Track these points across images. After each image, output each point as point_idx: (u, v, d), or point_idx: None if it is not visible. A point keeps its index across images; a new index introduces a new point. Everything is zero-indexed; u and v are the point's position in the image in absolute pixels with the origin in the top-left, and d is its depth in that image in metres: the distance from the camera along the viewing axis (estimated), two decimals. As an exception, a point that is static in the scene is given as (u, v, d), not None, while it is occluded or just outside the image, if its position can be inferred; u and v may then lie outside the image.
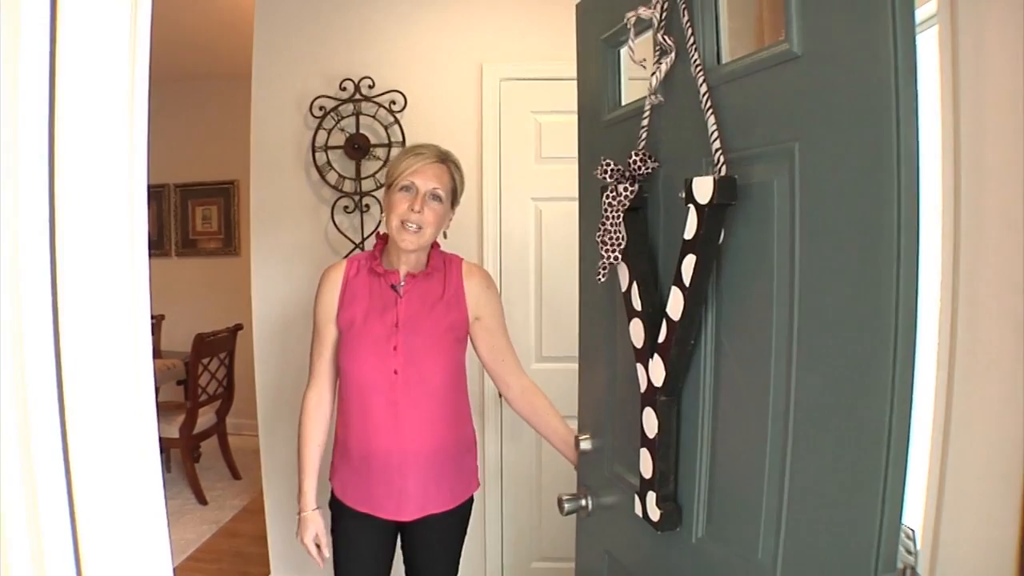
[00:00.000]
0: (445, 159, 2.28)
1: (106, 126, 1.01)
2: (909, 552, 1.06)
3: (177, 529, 4.91)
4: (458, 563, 2.47)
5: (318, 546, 2.31)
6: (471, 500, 2.44)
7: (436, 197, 2.21)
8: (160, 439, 5.36)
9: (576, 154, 3.22)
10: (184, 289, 7.26)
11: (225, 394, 5.89)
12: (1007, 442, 0.97)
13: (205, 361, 5.50)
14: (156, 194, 7.38)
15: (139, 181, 1.07)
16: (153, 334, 6.69)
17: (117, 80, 1.02)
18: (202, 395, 5.49)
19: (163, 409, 5.62)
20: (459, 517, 2.40)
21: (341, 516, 2.37)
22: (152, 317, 6.77)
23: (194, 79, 6.95)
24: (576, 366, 3.33)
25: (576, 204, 3.24)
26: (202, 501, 5.43)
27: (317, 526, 2.31)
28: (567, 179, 3.29)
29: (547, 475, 3.61)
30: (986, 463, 0.99)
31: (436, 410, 2.26)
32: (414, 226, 2.18)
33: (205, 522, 5.08)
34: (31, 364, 0.94)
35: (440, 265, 2.34)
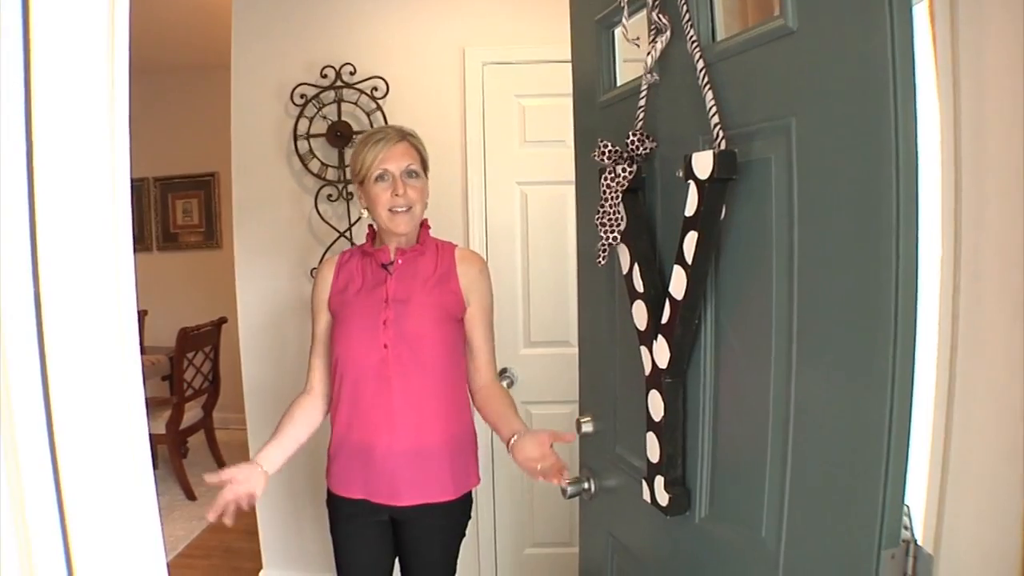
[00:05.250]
0: (405, 136, 2.28)
1: (86, 119, 0.99)
2: (905, 527, 1.06)
3: (166, 526, 4.87)
4: (454, 564, 2.42)
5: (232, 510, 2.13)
6: (470, 496, 2.38)
7: (412, 174, 2.23)
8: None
9: (561, 137, 3.24)
10: (166, 284, 7.21)
11: (211, 388, 5.88)
12: (1012, 416, 0.96)
13: (190, 355, 5.49)
14: (135, 188, 7.31)
15: (122, 174, 1.05)
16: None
17: (96, 70, 1.00)
18: (188, 390, 5.48)
19: (149, 405, 5.57)
20: (456, 512, 2.34)
21: (338, 512, 2.36)
22: (135, 312, 6.70)
23: (171, 71, 6.89)
24: (564, 350, 3.41)
25: (562, 188, 3.32)
26: (191, 497, 5.41)
27: (255, 482, 2.18)
28: (552, 163, 3.32)
29: (539, 460, 3.59)
30: (991, 437, 0.99)
31: (429, 388, 2.22)
32: (403, 208, 2.20)
33: (194, 518, 5.06)
34: (14, 364, 0.92)
35: (432, 245, 2.34)
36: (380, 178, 2.20)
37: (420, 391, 2.21)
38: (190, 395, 5.54)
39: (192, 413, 5.65)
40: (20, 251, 0.92)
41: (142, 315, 6.80)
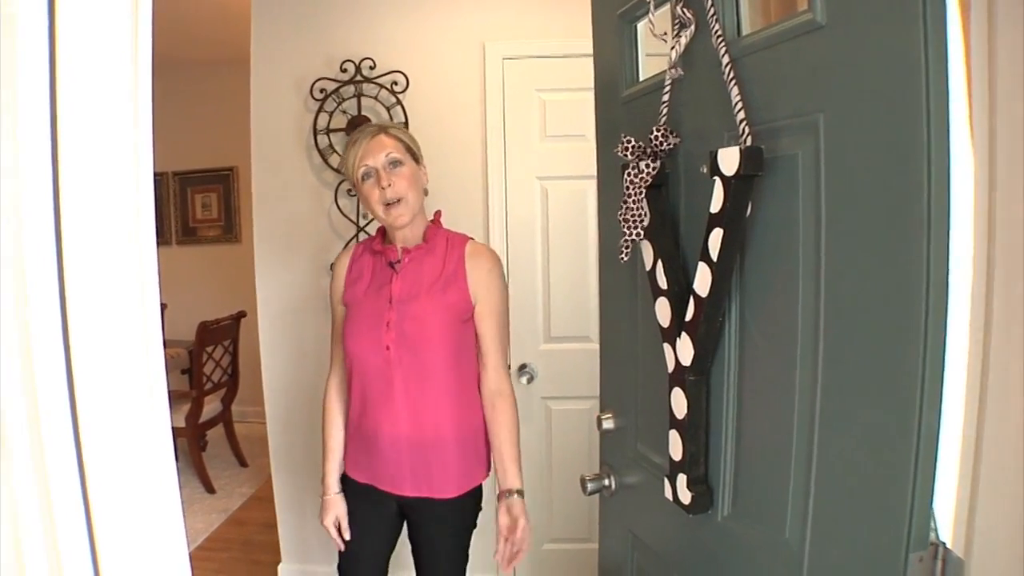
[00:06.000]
0: (382, 129, 2.24)
1: (109, 114, 0.99)
2: (933, 530, 1.04)
3: (186, 519, 4.88)
4: (466, 553, 2.43)
5: (339, 529, 2.36)
6: (479, 489, 2.39)
7: (395, 162, 2.19)
8: (168, 428, 5.26)
9: (581, 132, 3.26)
10: (186, 278, 7.24)
11: (230, 382, 5.90)
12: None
13: (209, 349, 5.51)
14: (154, 183, 7.31)
15: (145, 168, 1.05)
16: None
17: (120, 64, 1.00)
18: (207, 383, 5.50)
19: (169, 399, 5.61)
20: (462, 506, 2.34)
21: (348, 491, 2.40)
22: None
23: (190, 65, 6.90)
24: (584, 346, 3.40)
25: (582, 182, 3.31)
26: (210, 490, 5.43)
27: (338, 509, 2.37)
28: (573, 157, 3.31)
29: (557, 457, 3.61)
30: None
31: (432, 390, 2.22)
32: (394, 199, 2.17)
33: (213, 511, 5.09)
34: (39, 361, 0.92)
35: (442, 242, 2.30)
36: (366, 176, 2.19)
37: (423, 392, 2.21)
38: (209, 389, 5.56)
39: (211, 407, 5.68)
40: (45, 245, 0.92)
41: (162, 309, 6.80)
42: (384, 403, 2.22)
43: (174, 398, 5.51)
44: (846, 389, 1.13)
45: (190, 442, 5.46)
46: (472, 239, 2.36)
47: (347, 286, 2.35)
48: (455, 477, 2.28)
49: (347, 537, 2.36)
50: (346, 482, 2.40)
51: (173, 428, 5.05)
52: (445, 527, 2.36)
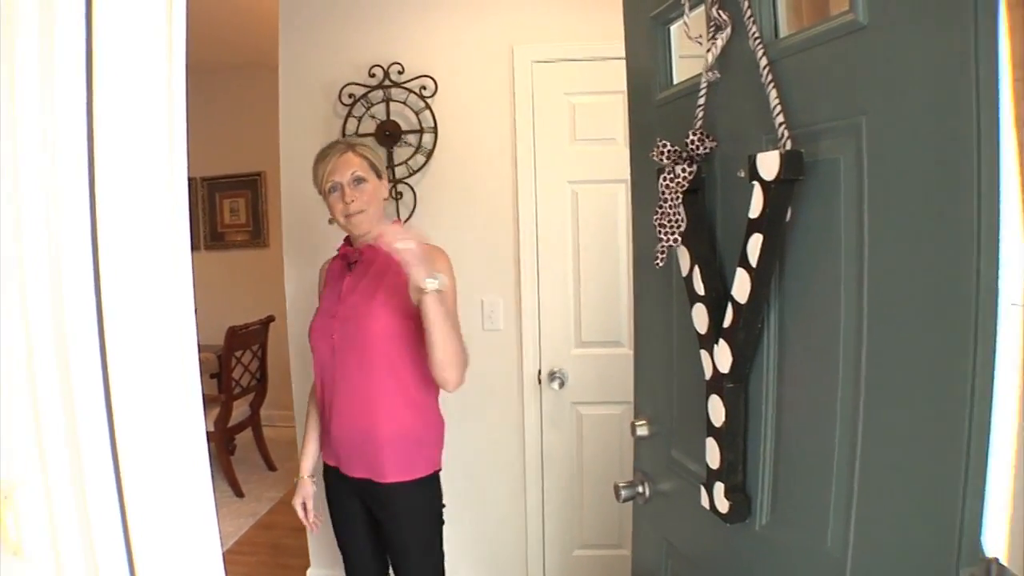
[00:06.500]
0: (349, 148, 2.47)
1: (145, 119, 0.98)
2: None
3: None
4: (432, 552, 2.51)
5: (307, 511, 2.66)
6: (430, 481, 2.47)
7: (359, 179, 2.41)
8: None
9: (612, 135, 3.24)
10: (214, 282, 7.27)
11: (258, 386, 5.93)
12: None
13: (238, 354, 5.53)
14: (183, 188, 7.39)
15: (179, 173, 1.04)
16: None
17: (155, 70, 0.99)
18: (236, 388, 5.53)
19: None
20: (409, 492, 2.42)
21: (326, 476, 2.61)
22: (185, 311, 6.69)
23: (217, 70, 6.94)
24: (615, 351, 3.38)
25: (613, 186, 3.30)
26: (238, 494, 5.46)
27: (304, 492, 2.67)
28: (603, 161, 3.30)
29: (588, 462, 3.59)
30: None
31: (372, 381, 2.36)
32: (355, 211, 2.40)
33: (242, 515, 5.10)
34: (76, 368, 0.91)
35: None
36: (332, 189, 2.43)
37: (362, 382, 2.37)
38: (238, 393, 5.58)
39: (240, 411, 5.71)
40: (82, 255, 0.91)
41: (191, 313, 6.85)
42: (333, 391, 2.43)
43: (204, 402, 5.53)
44: (891, 398, 1.10)
45: (219, 446, 5.48)
46: (427, 244, 2.38)
47: (323, 288, 2.64)
48: (393, 464, 2.38)
49: (311, 519, 2.67)
50: (323, 466, 2.61)
51: (202, 433, 4.96)
52: (387, 513, 2.46)
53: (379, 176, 2.49)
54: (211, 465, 4.55)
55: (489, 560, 3.72)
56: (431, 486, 2.49)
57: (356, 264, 2.48)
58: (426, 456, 2.46)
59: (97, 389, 0.93)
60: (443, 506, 2.54)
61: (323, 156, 2.47)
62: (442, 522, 2.54)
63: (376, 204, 2.46)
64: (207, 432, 5.25)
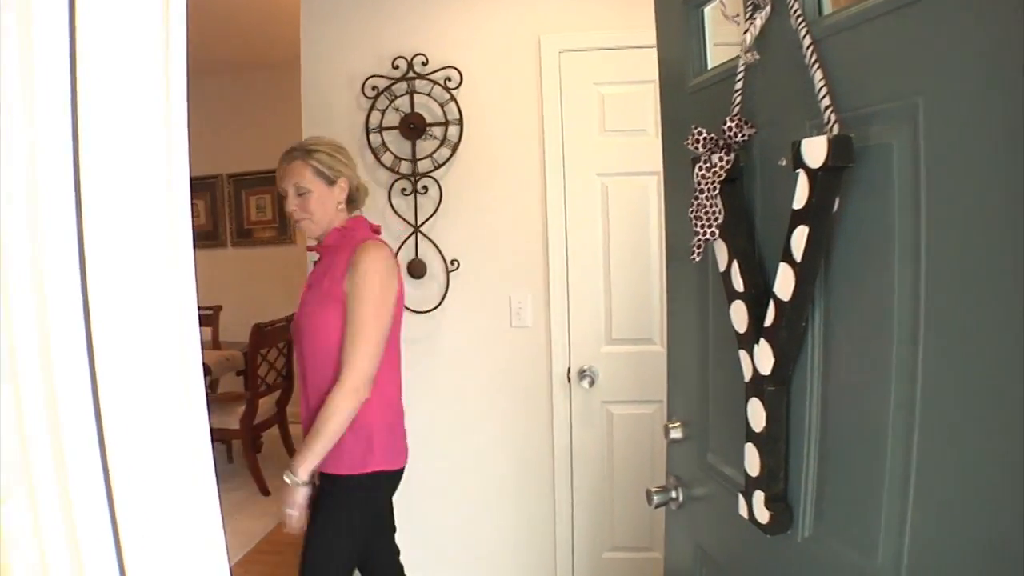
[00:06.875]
0: (295, 156, 2.52)
1: (137, 116, 0.91)
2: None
3: (241, 520, 4.92)
4: (324, 543, 2.50)
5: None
6: (349, 483, 2.45)
7: (300, 191, 2.50)
8: (221, 430, 5.34)
9: (642, 126, 3.16)
10: (240, 279, 7.29)
11: (285, 384, 5.92)
12: None
13: (264, 351, 5.52)
14: (209, 185, 7.44)
15: (180, 170, 0.97)
16: (211, 325, 6.73)
17: (149, 66, 0.93)
18: (262, 385, 5.52)
19: (223, 400, 5.64)
20: (336, 484, 2.45)
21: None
22: (209, 308, 6.74)
23: (242, 69, 6.96)
24: (646, 348, 3.31)
25: (643, 178, 3.22)
26: (264, 492, 5.44)
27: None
28: (633, 152, 3.23)
29: (619, 463, 3.52)
30: None
31: (314, 374, 2.48)
32: (298, 219, 2.54)
33: (267, 513, 5.07)
34: (60, 370, 0.85)
35: (347, 243, 2.50)
36: (281, 193, 2.56)
37: (308, 375, 2.51)
38: (264, 390, 5.57)
39: (266, 408, 5.70)
40: (68, 253, 0.85)
41: (216, 310, 6.88)
42: (299, 382, 2.60)
43: (229, 400, 5.55)
44: (951, 404, 1.01)
45: (244, 444, 5.47)
46: (374, 241, 2.51)
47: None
48: (331, 456, 2.40)
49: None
50: None
51: (228, 430, 5.12)
52: (318, 504, 2.48)
53: (331, 182, 2.53)
54: (237, 463, 4.56)
55: (516, 560, 3.66)
56: (350, 489, 2.47)
57: (317, 262, 2.63)
58: (361, 452, 2.45)
59: (86, 397, 0.87)
60: (373, 522, 2.63)
61: (280, 160, 2.56)
62: (354, 539, 2.52)
63: (323, 210, 2.53)
64: (233, 430, 5.28)
